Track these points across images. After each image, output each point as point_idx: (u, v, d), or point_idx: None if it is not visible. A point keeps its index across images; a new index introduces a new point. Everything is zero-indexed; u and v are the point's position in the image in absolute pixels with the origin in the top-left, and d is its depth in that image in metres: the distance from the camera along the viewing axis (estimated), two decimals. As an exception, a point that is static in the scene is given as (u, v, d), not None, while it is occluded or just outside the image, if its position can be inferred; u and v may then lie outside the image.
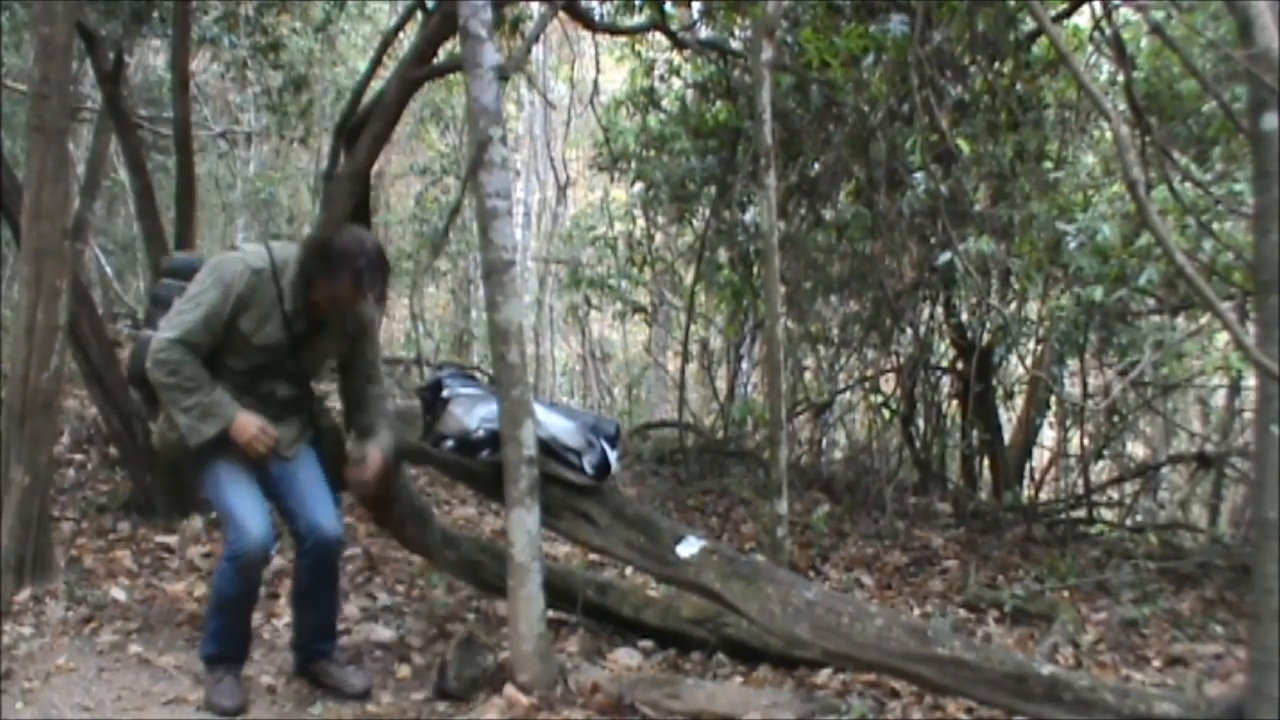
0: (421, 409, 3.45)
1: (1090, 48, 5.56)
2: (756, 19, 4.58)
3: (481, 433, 3.26)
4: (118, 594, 3.96)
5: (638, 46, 7.52)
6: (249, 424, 3.04)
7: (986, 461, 6.68)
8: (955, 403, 6.76)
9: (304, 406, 3.28)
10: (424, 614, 3.97)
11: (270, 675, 3.34)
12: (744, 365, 7.89)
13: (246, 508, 3.06)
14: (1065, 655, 3.68)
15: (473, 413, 3.30)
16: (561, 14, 5.40)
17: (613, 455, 3.35)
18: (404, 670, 3.48)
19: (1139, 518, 6.56)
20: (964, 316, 6.20)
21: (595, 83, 7.71)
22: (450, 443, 3.32)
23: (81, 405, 6.02)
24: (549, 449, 3.27)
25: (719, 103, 6.81)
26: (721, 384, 7.97)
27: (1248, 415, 6.57)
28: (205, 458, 3.09)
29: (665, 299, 8.92)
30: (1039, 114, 5.72)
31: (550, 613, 3.31)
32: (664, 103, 7.37)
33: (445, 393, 3.37)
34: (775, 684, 3.29)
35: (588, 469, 3.29)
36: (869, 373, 6.76)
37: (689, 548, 3.13)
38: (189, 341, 2.98)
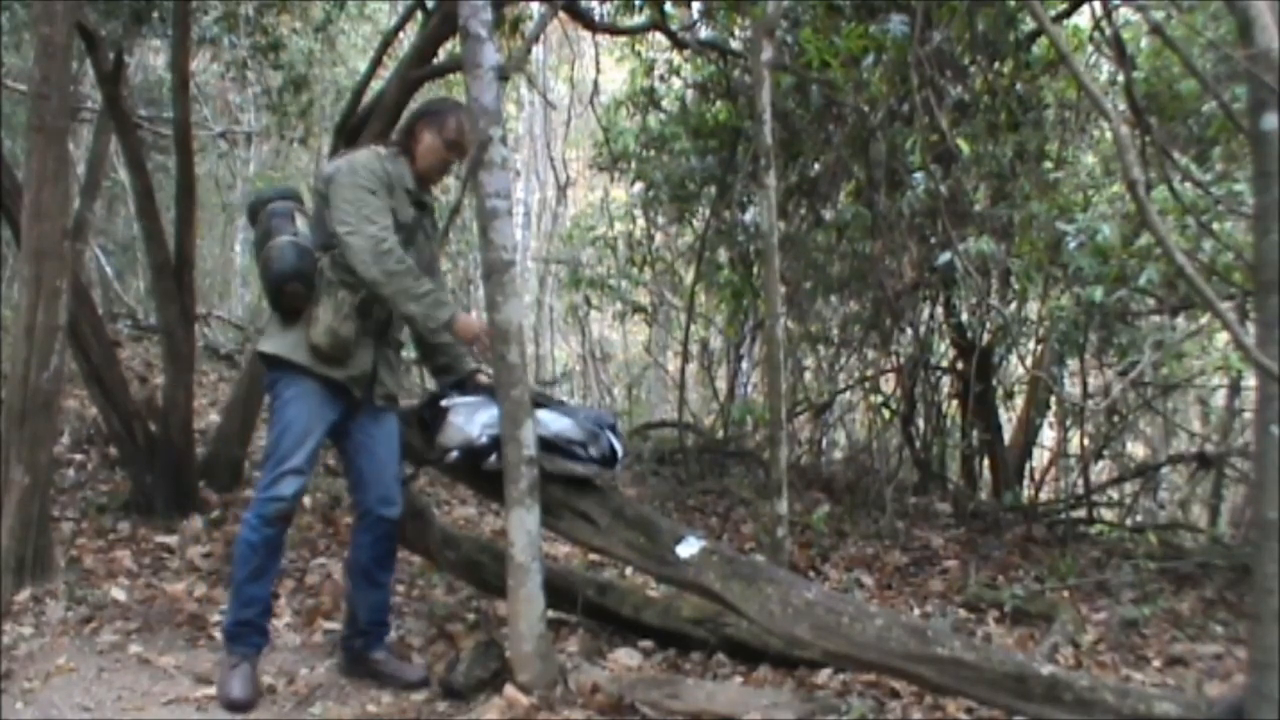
0: (420, 430, 3.44)
1: (1090, 48, 5.56)
2: (756, 19, 4.58)
3: (485, 439, 3.24)
4: (118, 594, 3.96)
5: (638, 46, 7.53)
6: (476, 324, 3.22)
7: (986, 461, 6.68)
8: (955, 403, 6.76)
9: (399, 336, 3.43)
10: (424, 614, 3.97)
11: (270, 675, 3.34)
12: (744, 365, 7.90)
13: (300, 461, 3.14)
14: (1065, 655, 3.68)
15: (474, 420, 3.28)
16: (561, 14, 5.41)
17: (617, 442, 3.37)
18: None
19: (1139, 518, 6.56)
20: (964, 316, 6.20)
21: (595, 83, 7.70)
22: (455, 454, 3.30)
23: (81, 405, 6.02)
24: (554, 445, 3.27)
25: (719, 103, 6.81)
26: (721, 384, 7.97)
27: (1248, 415, 6.57)
28: (301, 388, 3.15)
29: (665, 299, 8.92)
30: (1039, 114, 5.72)
31: (550, 613, 3.31)
32: (664, 103, 7.36)
33: (444, 402, 3.37)
34: (775, 684, 3.29)
35: (596, 458, 3.30)
36: (869, 373, 6.76)
37: (689, 548, 3.13)
38: (391, 227, 3.13)
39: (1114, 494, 6.68)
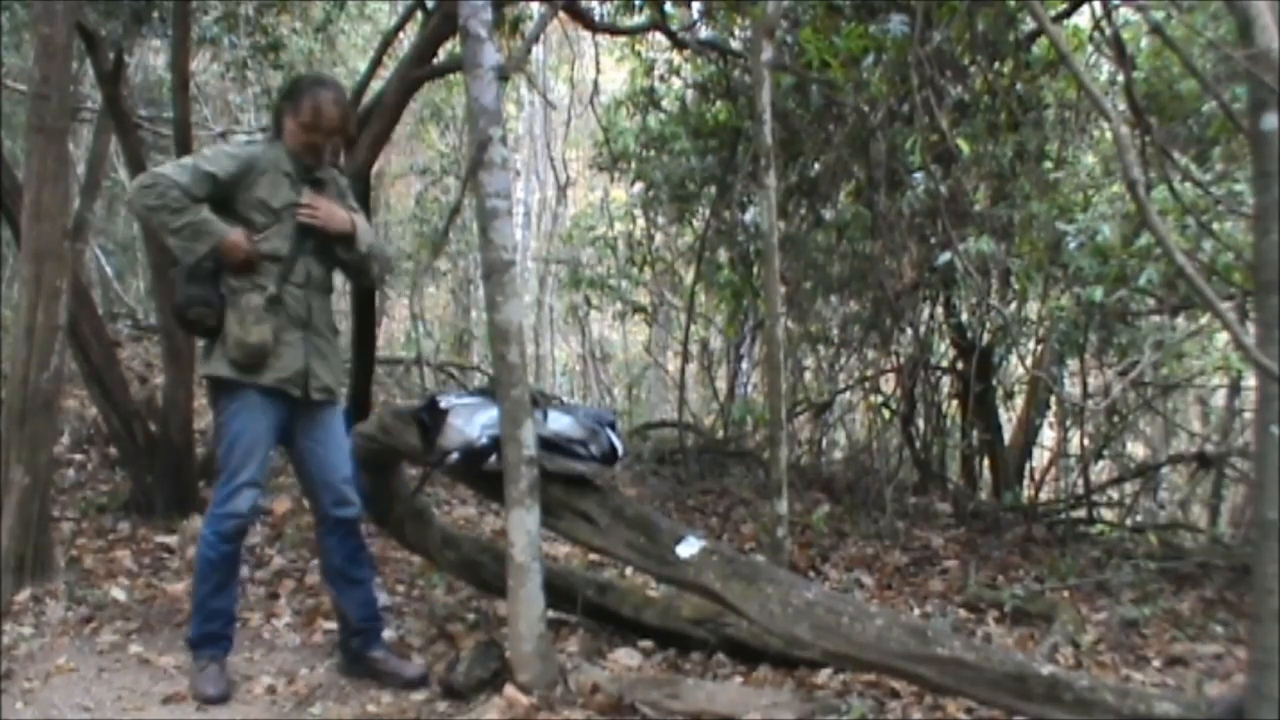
0: (419, 433, 3.44)
1: (1090, 48, 5.56)
2: (756, 19, 4.58)
3: (485, 440, 3.23)
4: (118, 594, 3.96)
5: (638, 46, 7.53)
6: (239, 241, 3.10)
7: (986, 461, 6.68)
8: (955, 403, 6.76)
9: (330, 321, 3.34)
10: (424, 614, 3.97)
11: (270, 675, 3.34)
12: (744, 365, 7.90)
13: (252, 473, 3.13)
14: (1065, 655, 3.67)
15: (473, 421, 3.27)
16: (561, 14, 5.41)
17: (616, 440, 3.36)
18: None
19: (1139, 518, 6.57)
20: (964, 316, 6.20)
21: (595, 83, 7.71)
22: (455, 455, 3.29)
23: (81, 405, 6.01)
24: (554, 444, 3.27)
25: (719, 103, 6.81)
26: (721, 384, 7.97)
27: (1248, 415, 6.57)
28: (240, 401, 3.13)
29: (665, 299, 8.92)
30: (1039, 114, 5.72)
31: (550, 613, 3.31)
32: (664, 103, 7.37)
33: (442, 404, 3.36)
34: (775, 684, 3.29)
35: (596, 455, 3.30)
36: (869, 373, 6.77)
37: (689, 548, 3.13)
38: (173, 178, 3.05)
39: (1114, 494, 6.68)
